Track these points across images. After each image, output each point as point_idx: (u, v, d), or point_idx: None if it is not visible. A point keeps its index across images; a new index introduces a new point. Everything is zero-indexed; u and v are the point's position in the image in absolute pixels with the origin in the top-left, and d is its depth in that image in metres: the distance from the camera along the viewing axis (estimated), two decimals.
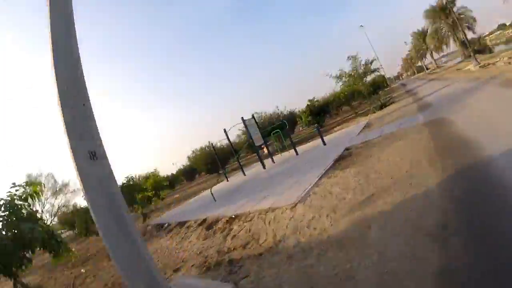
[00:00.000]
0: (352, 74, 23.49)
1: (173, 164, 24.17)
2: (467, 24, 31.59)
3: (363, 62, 24.25)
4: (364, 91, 22.99)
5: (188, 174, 25.92)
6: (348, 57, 23.54)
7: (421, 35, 45.70)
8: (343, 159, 6.18)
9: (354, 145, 7.25)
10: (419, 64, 59.63)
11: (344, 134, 10.95)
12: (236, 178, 12.71)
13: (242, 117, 11.03)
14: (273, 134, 13.27)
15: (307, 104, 22.44)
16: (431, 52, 46.78)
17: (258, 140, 11.58)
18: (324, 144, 9.79)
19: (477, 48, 29.40)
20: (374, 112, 14.72)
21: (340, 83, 23.48)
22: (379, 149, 5.73)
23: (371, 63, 23.49)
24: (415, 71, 63.41)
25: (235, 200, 6.85)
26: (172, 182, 25.24)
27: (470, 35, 32.15)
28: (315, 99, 23.00)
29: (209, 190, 9.37)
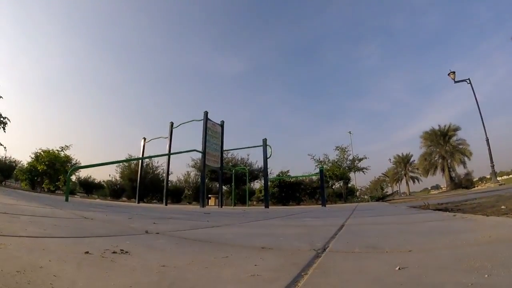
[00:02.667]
0: (336, 163, 21.55)
1: (109, 175, 20.05)
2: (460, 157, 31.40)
3: (350, 157, 22.53)
4: (334, 183, 20.39)
5: (114, 191, 20.35)
6: (336, 147, 22.34)
7: (404, 159, 48.65)
8: None
9: None
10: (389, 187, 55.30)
11: None
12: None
13: (206, 111, 9.51)
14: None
15: (278, 175, 18.74)
16: (406, 181, 48.39)
17: (213, 160, 9.67)
18: None
19: (464, 184, 27.90)
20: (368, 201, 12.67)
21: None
22: None
23: (359, 160, 22.32)
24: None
25: None
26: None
27: (460, 169, 31.77)
28: (287, 173, 18.81)
29: None
